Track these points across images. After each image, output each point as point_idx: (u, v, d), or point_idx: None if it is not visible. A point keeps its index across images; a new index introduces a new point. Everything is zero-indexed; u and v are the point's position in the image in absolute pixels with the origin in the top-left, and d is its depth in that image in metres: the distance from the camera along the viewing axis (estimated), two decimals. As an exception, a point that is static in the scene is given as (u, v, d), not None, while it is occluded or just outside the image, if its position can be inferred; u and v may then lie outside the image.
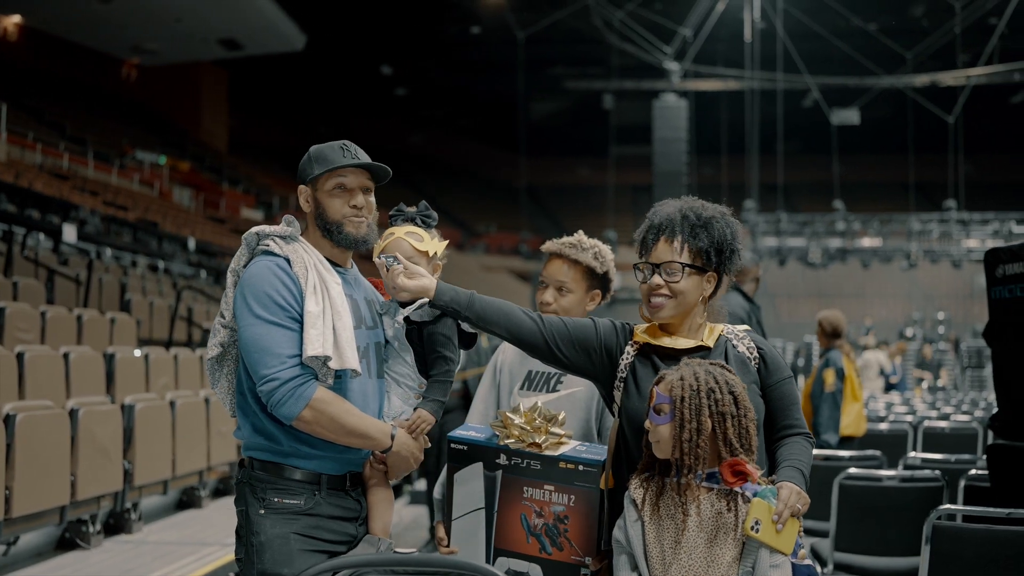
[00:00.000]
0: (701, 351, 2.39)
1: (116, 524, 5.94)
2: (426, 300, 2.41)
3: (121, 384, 6.58)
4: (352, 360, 2.37)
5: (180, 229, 19.84)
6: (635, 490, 2.27)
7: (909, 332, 25.35)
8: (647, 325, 2.46)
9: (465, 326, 2.67)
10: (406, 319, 2.60)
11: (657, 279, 2.35)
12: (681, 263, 2.34)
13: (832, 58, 27.95)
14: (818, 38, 26.75)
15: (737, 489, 2.16)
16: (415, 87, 39.34)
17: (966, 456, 5.10)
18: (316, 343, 2.30)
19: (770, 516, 2.09)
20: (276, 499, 2.38)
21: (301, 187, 2.53)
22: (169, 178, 25.48)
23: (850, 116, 29.68)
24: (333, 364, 2.34)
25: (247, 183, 30.13)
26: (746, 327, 2.52)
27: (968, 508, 3.18)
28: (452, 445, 2.53)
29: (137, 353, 7.18)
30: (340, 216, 2.47)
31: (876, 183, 38.35)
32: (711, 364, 2.25)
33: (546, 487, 2.43)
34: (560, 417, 2.50)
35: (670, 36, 25.41)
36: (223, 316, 2.46)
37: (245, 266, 2.46)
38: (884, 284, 31.07)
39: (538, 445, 2.44)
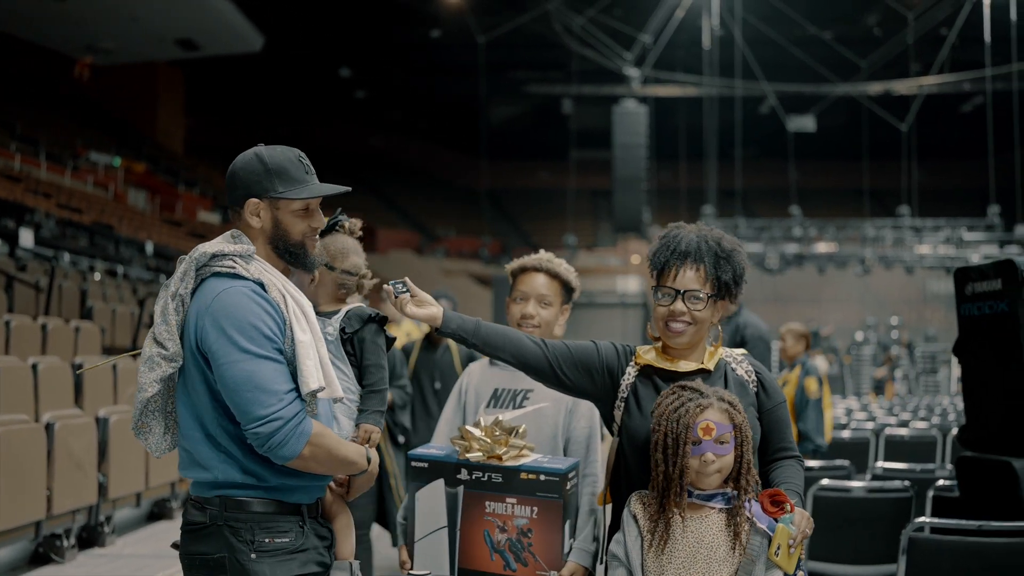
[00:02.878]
0: (702, 373, 2.44)
1: (90, 538, 5.85)
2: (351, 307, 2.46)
3: (90, 395, 6.49)
4: (338, 389, 2.29)
5: (136, 232, 19.55)
6: (635, 505, 2.30)
7: (860, 336, 25.77)
8: (650, 347, 2.51)
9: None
10: (341, 330, 2.62)
11: (680, 305, 2.39)
12: (706, 293, 2.39)
13: (789, 65, 28.34)
14: (775, 46, 27.12)
15: (749, 513, 2.23)
16: (375, 90, 39.16)
17: (930, 465, 5.23)
18: (314, 375, 2.17)
19: (788, 541, 2.17)
20: (267, 539, 2.19)
21: (252, 201, 2.27)
22: (124, 180, 25.08)
23: (806, 123, 30.11)
24: (324, 394, 2.23)
25: (204, 185, 29.77)
26: (743, 351, 2.59)
27: (942, 521, 3.28)
28: (413, 463, 2.51)
29: (106, 360, 7.09)
30: (303, 237, 2.31)
31: (832, 189, 38.96)
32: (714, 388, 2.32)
33: (508, 500, 2.41)
34: (521, 429, 2.51)
35: (630, 42, 25.61)
36: (163, 347, 2.18)
37: (194, 291, 2.21)
38: (839, 289, 31.57)
39: (499, 457, 2.44)
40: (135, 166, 26.67)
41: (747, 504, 2.23)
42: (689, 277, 2.40)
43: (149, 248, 17.92)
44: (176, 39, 26.84)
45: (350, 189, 2.36)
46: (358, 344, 2.66)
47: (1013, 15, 22.24)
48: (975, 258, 23.90)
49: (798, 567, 2.23)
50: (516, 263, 2.98)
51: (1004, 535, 3.24)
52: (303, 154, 2.34)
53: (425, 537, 2.50)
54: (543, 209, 40.01)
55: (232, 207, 2.32)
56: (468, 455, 2.47)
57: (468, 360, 5.43)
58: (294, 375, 2.19)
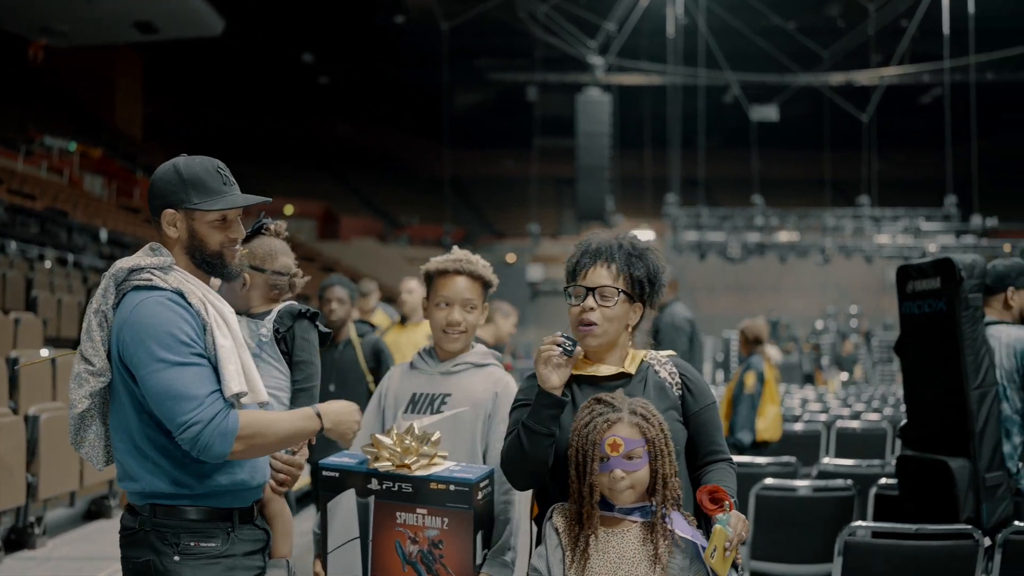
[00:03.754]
0: (622, 378, 2.39)
1: (18, 540, 5.66)
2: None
3: (26, 391, 6.31)
4: (263, 392, 2.32)
5: (91, 219, 19.19)
6: (557, 518, 2.26)
7: (820, 325, 26.02)
8: None
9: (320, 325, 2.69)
10: (273, 330, 2.61)
11: (591, 301, 2.35)
12: (617, 288, 2.35)
13: (752, 55, 28.45)
14: (739, 35, 27.20)
15: (669, 526, 2.17)
16: (338, 76, 38.77)
17: (876, 461, 5.23)
18: (236, 379, 2.21)
19: (724, 543, 2.10)
20: (192, 543, 2.23)
21: (168, 211, 2.31)
22: (80, 165, 24.62)
23: (769, 112, 30.28)
24: (247, 399, 2.27)
25: (163, 171, 29.28)
26: (670, 352, 2.53)
27: (879, 525, 3.26)
28: (324, 473, 2.45)
29: (44, 353, 6.90)
30: (220, 248, 2.35)
31: (793, 179, 39.26)
32: (631, 398, 2.25)
33: (419, 511, 2.36)
34: (434, 437, 2.44)
35: (594, 30, 25.52)
36: (90, 363, 2.24)
37: (115, 306, 2.26)
38: (800, 278, 31.86)
39: (408, 466, 2.38)
40: (91, 151, 26.18)
41: (667, 518, 2.18)
42: (600, 274, 2.36)
43: (103, 235, 17.59)
44: (134, 21, 26.31)
45: (270, 201, 2.40)
46: (290, 341, 2.67)
47: (971, 8, 22.45)
48: (932, 247, 24.19)
49: (734, 569, 2.17)
50: (434, 265, 2.83)
51: (940, 538, 3.22)
52: (222, 165, 2.36)
53: (338, 548, 2.45)
54: (507, 197, 39.94)
55: (153, 217, 2.36)
56: (377, 464, 2.41)
57: (373, 358, 5.23)
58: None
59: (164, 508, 2.24)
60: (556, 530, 2.24)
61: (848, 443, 7.34)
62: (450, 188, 33.92)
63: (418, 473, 2.38)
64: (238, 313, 2.67)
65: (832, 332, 23.80)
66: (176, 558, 2.20)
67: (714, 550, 2.10)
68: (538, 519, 2.40)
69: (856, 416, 8.83)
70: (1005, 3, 27.28)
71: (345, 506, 2.43)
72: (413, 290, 6.43)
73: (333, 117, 41.28)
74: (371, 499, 2.40)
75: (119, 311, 2.24)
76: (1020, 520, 3.59)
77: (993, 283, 3.91)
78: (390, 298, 10.90)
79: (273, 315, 2.70)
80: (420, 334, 6.36)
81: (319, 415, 2.36)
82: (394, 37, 34.55)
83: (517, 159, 39.60)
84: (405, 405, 2.78)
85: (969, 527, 3.25)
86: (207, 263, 2.34)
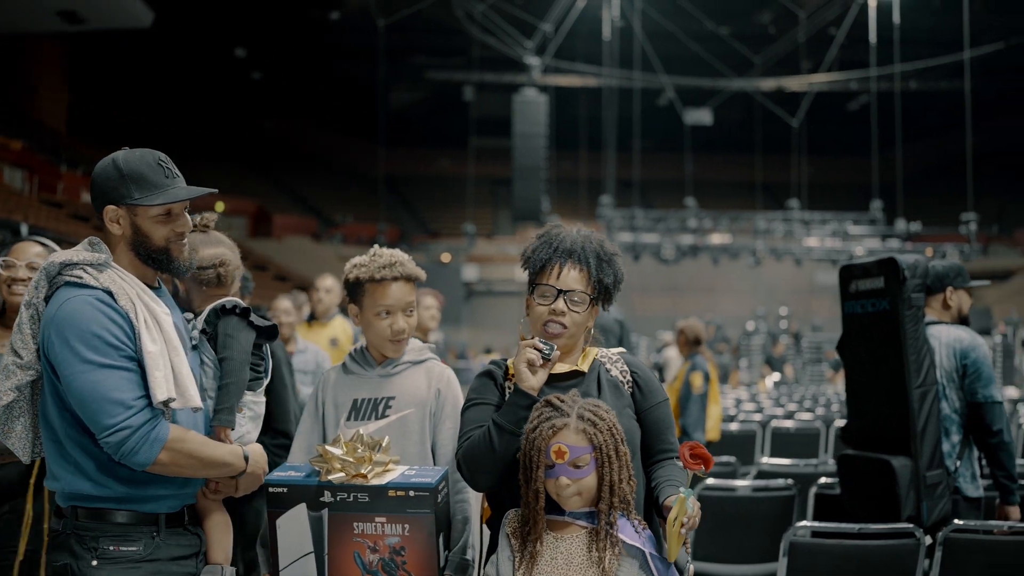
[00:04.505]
0: (576, 376, 2.36)
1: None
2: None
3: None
4: (195, 397, 2.25)
5: (11, 214, 18.53)
6: (510, 523, 2.22)
7: (751, 326, 26.44)
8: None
9: (258, 319, 2.55)
10: (201, 331, 2.49)
11: (561, 305, 2.31)
12: (588, 294, 2.33)
13: (686, 59, 28.80)
14: (674, 39, 27.49)
15: (615, 533, 2.12)
16: (271, 71, 38.12)
17: (813, 461, 5.28)
18: (163, 386, 2.15)
19: (683, 518, 2.05)
20: (111, 547, 2.18)
21: (110, 208, 2.26)
22: (-1, 158, 23.76)
23: (702, 116, 30.72)
24: (176, 404, 2.20)
25: (88, 165, 28.44)
26: (620, 349, 2.50)
27: (823, 524, 3.25)
28: (270, 489, 2.35)
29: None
30: (166, 243, 2.29)
31: (726, 182, 39.85)
32: (583, 400, 2.20)
33: (377, 519, 2.30)
34: (384, 443, 2.38)
35: (531, 31, 25.54)
36: (19, 356, 2.22)
37: (47, 300, 2.21)
38: (731, 280, 32.33)
39: (364, 476, 2.31)
40: (11, 143, 25.25)
41: (613, 526, 2.14)
42: (572, 277, 2.33)
43: (24, 230, 16.97)
44: (58, 11, 25.41)
45: (216, 191, 2.37)
46: (216, 340, 2.53)
47: (896, 18, 23.06)
48: (859, 251, 24.77)
49: (685, 556, 2.13)
50: (366, 273, 2.64)
51: (882, 537, 3.23)
52: (165, 157, 2.32)
53: (290, 565, 2.36)
54: (442, 196, 39.76)
55: (97, 214, 2.32)
56: (331, 477, 2.32)
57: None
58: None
59: (87, 511, 2.20)
60: (508, 536, 2.21)
61: (783, 443, 7.42)
62: (385, 187, 33.65)
63: (374, 482, 2.31)
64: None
65: (763, 333, 24.19)
66: (94, 563, 2.16)
67: (675, 519, 2.05)
68: (490, 522, 2.37)
69: (790, 416, 8.94)
70: (929, 14, 28.11)
71: (295, 521, 2.34)
72: (332, 289, 6.17)
73: (266, 113, 40.59)
74: (324, 512, 2.33)
75: (49, 307, 2.20)
76: (958, 518, 3.64)
77: (933, 284, 3.95)
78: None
79: (203, 315, 2.56)
80: (324, 337, 6.16)
81: (247, 457, 2.35)
82: (329, 33, 34.11)
83: (453, 159, 39.46)
84: (347, 412, 2.66)
85: (911, 526, 3.27)
86: (153, 259, 2.29)
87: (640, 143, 26.71)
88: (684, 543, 2.10)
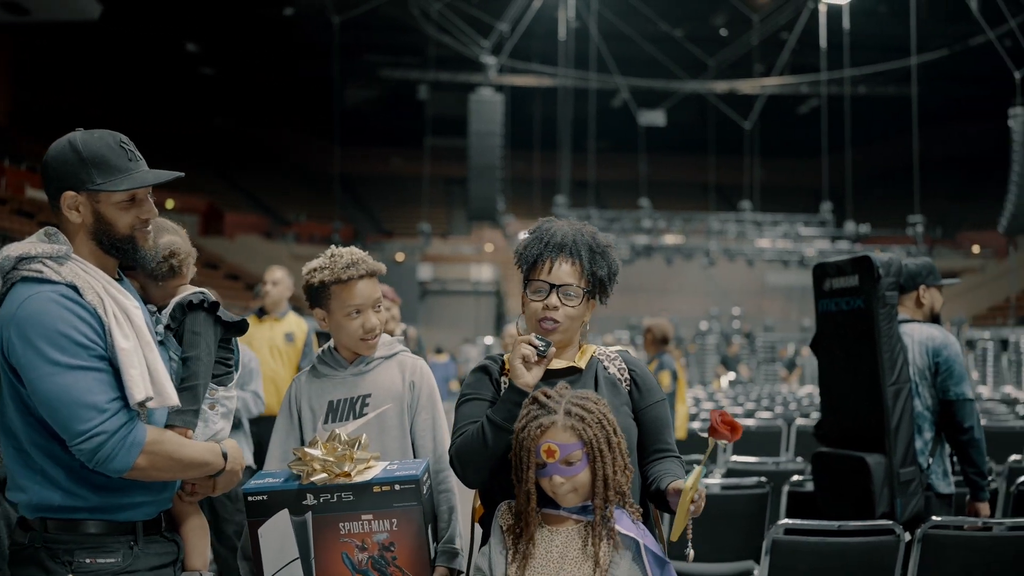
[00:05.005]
0: (573, 372, 2.33)
1: None
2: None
3: None
4: (172, 396, 2.12)
5: (-47, 210, 18.03)
6: (503, 516, 2.19)
7: (704, 326, 26.71)
8: None
9: (226, 314, 2.47)
10: (166, 326, 2.38)
11: (555, 299, 2.27)
12: (582, 288, 2.29)
13: (641, 61, 28.98)
14: (629, 41, 27.65)
15: (610, 526, 2.09)
16: (223, 67, 37.55)
17: (782, 459, 5.31)
18: (140, 385, 2.02)
19: (693, 495, 2.03)
20: (87, 560, 2.05)
21: (69, 194, 2.09)
22: (-61, 153, 23.09)
23: (656, 118, 30.99)
24: (153, 404, 2.07)
25: (32, 160, 27.72)
26: (619, 347, 2.47)
27: (804, 522, 3.26)
28: (249, 498, 2.28)
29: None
30: (131, 231, 2.15)
31: (679, 183, 40.17)
32: (571, 393, 2.16)
33: (364, 517, 2.25)
34: (363, 440, 2.33)
35: (487, 30, 25.49)
36: None
37: (2, 298, 2.05)
38: (685, 280, 32.62)
39: (347, 474, 2.26)
40: (-48, 138, 24.58)
41: (608, 520, 2.11)
42: (564, 271, 2.30)
43: (-34, 227, 16.52)
44: (2, 1, 24.81)
45: (182, 175, 2.21)
46: (182, 337, 2.40)
47: (846, 24, 23.46)
48: (810, 252, 25.15)
49: (685, 541, 2.11)
50: (329, 275, 2.55)
51: (862, 534, 3.25)
52: (126, 139, 2.17)
53: (276, 573, 2.29)
54: (396, 196, 39.53)
55: (50, 201, 2.15)
56: (313, 478, 2.25)
57: None
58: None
59: (57, 522, 2.06)
60: (501, 528, 2.18)
61: (745, 441, 7.44)
62: (339, 185, 33.35)
63: (358, 480, 2.26)
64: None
65: (716, 333, 24.47)
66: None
67: (691, 487, 2.02)
68: (483, 520, 2.33)
69: (751, 415, 9.01)
70: (877, 21, 28.63)
71: (278, 529, 2.27)
72: (279, 281, 5.95)
73: (217, 109, 39.96)
74: (308, 516, 2.26)
75: (5, 305, 2.03)
76: (930, 514, 3.67)
77: (905, 282, 3.99)
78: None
79: (169, 309, 2.43)
80: (279, 332, 5.96)
81: (225, 456, 2.25)
82: (283, 29, 33.69)
83: (407, 158, 39.26)
84: (323, 415, 2.60)
85: (890, 523, 3.30)
86: (117, 248, 2.14)
87: (595, 144, 26.83)
88: (687, 526, 2.07)
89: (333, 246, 2.67)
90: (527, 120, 31.37)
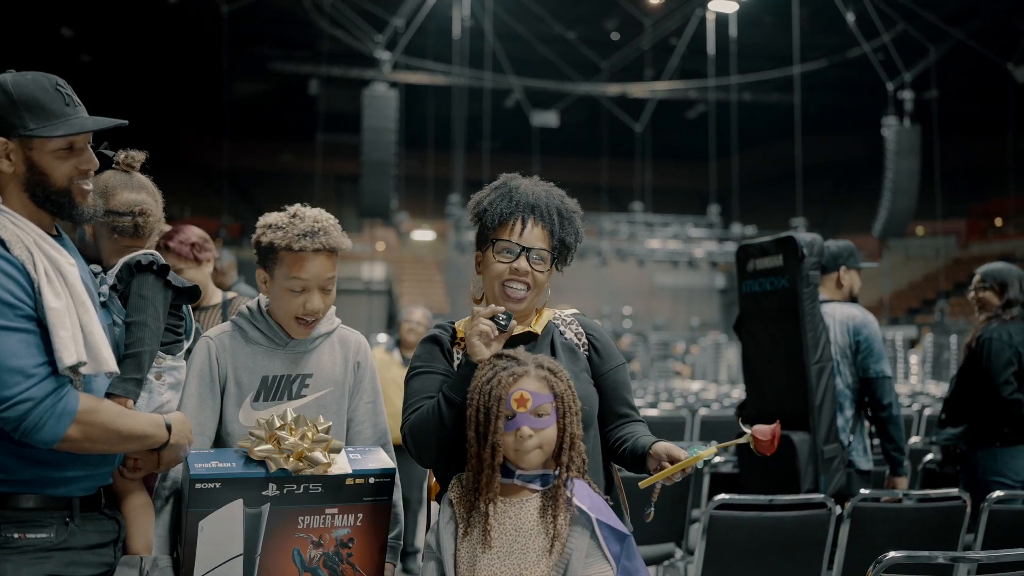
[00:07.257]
0: (530, 339, 2.23)
1: None
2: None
3: None
4: (109, 361, 1.96)
5: None
6: (453, 489, 2.07)
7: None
8: (469, 318, 2.23)
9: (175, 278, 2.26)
10: (111, 287, 2.17)
11: (524, 263, 2.16)
12: (549, 252, 2.20)
13: (535, 62, 29.16)
14: (523, 41, 27.78)
15: (569, 494, 2.01)
16: (102, 55, 35.97)
17: (700, 443, 5.34)
18: (70, 348, 1.86)
19: (688, 468, 2.01)
20: (17, 535, 1.92)
21: None
22: None
23: (549, 119, 31.21)
24: (87, 369, 1.91)
25: None
26: (574, 310, 2.39)
27: (740, 497, 3.27)
28: (197, 485, 1.99)
29: None
30: (68, 182, 1.98)
31: (572, 184, 39.52)
32: (534, 355, 2.09)
33: (328, 511, 2.07)
34: (322, 425, 2.12)
35: (382, 25, 25.19)
36: None
37: None
38: (578, 280, 32.98)
39: (327, 465, 2.06)
40: None
41: (568, 484, 2.01)
42: (536, 234, 2.20)
43: None
44: None
45: (126, 123, 2.10)
46: (127, 300, 2.20)
47: (733, 32, 24.17)
48: (699, 252, 25.78)
49: (649, 500, 2.09)
50: (283, 239, 2.24)
51: (796, 508, 3.29)
52: (63, 82, 2.02)
53: (210, 572, 2.03)
54: (286, 192, 38.35)
55: None
56: (286, 467, 2.03)
57: None
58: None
59: None
60: (451, 502, 2.05)
61: (654, 430, 7.53)
62: (226, 180, 32.40)
63: (332, 471, 2.07)
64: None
65: (608, 331, 24.92)
66: None
67: (693, 459, 2.00)
68: (440, 497, 2.20)
69: (653, 405, 9.14)
70: (763, 30, 29.60)
71: (226, 521, 2.02)
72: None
73: (96, 98, 38.00)
74: (265, 507, 2.04)
75: None
76: (850, 489, 3.75)
77: (827, 263, 4.07)
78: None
79: (115, 269, 2.22)
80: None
81: (169, 427, 2.05)
82: (167, 17, 32.50)
83: (298, 153, 38.47)
84: (255, 391, 2.31)
85: (822, 496, 3.34)
86: (52, 201, 1.98)
87: (489, 143, 26.85)
88: (657, 486, 2.03)
89: (299, 204, 2.38)
90: (421, 118, 31.15)
